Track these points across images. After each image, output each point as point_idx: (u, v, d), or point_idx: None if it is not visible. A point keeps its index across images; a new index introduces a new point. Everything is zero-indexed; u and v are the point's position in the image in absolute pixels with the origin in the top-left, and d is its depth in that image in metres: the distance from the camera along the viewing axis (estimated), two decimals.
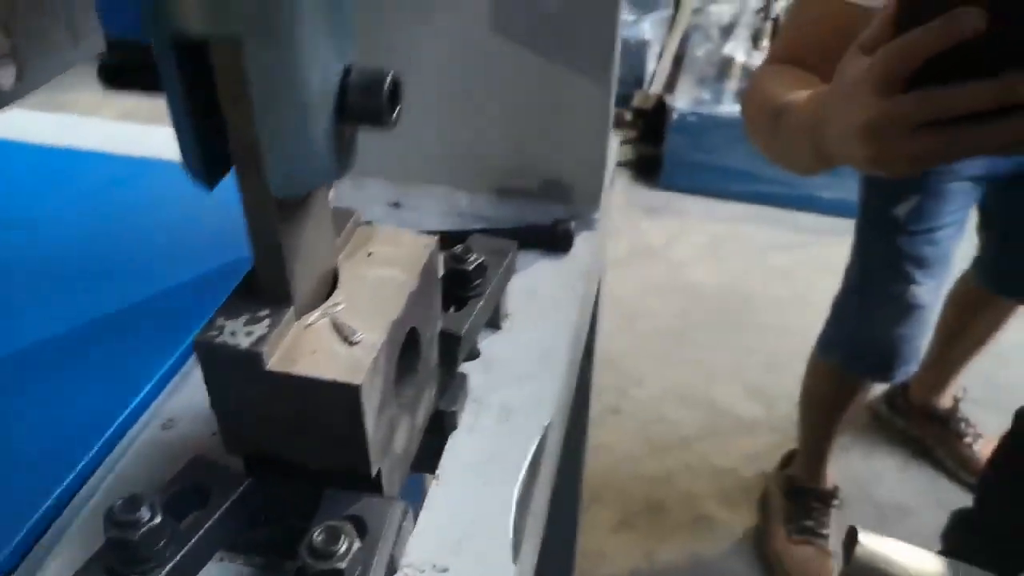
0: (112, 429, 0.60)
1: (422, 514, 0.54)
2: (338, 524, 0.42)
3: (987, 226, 1.54)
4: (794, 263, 2.55)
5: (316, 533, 0.42)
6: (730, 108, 2.75)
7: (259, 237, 0.42)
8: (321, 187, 0.45)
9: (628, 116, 3.01)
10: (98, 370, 0.65)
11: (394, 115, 0.39)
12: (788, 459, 1.83)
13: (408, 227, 0.78)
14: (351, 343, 0.44)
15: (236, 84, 0.36)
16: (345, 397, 0.43)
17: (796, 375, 1.68)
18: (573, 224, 0.78)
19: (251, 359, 0.42)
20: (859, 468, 1.90)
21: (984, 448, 1.78)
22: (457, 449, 0.59)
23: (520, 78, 0.77)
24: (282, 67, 0.36)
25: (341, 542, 0.42)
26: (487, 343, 0.67)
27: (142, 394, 0.62)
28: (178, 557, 0.44)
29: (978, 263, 1.63)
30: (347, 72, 0.39)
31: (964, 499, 1.51)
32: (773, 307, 2.37)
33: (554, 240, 0.78)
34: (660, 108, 2.91)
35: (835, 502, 1.74)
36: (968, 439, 1.83)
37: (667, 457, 1.95)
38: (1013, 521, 1.45)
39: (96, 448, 0.58)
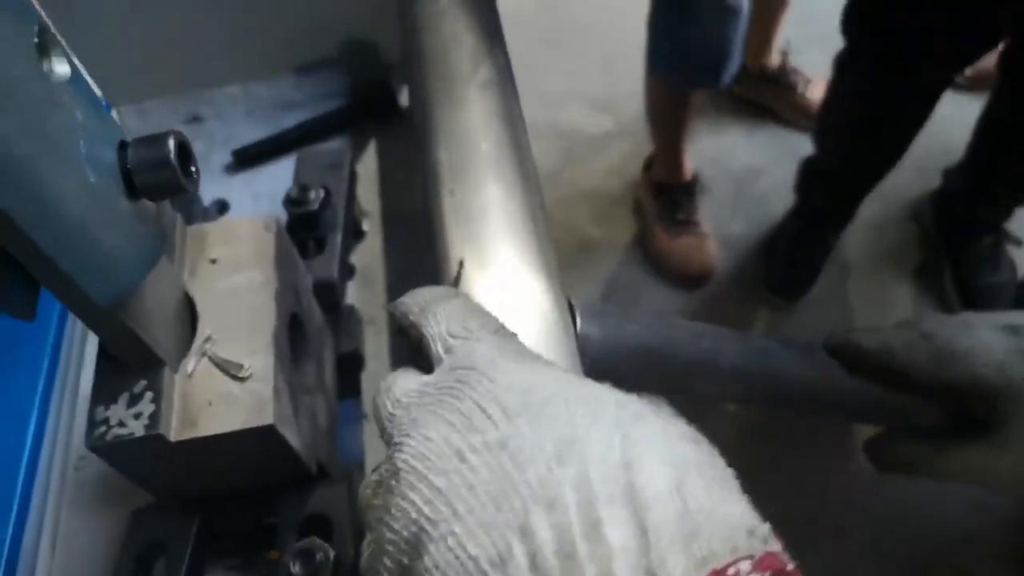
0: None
1: (367, 455, 0.56)
2: (306, 546, 0.44)
3: None
4: None
5: (292, 564, 0.43)
6: None
7: (102, 330, 0.39)
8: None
9: None
10: None
11: (194, 176, 0.34)
12: (650, 162, 1.91)
13: (219, 141, 0.73)
14: (242, 379, 0.43)
15: (8, 234, 0.31)
16: (262, 436, 0.42)
17: (632, 72, 1.67)
18: (393, 81, 0.73)
19: (153, 442, 0.40)
20: (712, 147, 2.00)
21: (815, 90, 1.88)
22: (373, 379, 0.59)
23: None
24: (43, 205, 0.30)
25: (317, 559, 0.43)
26: (357, 255, 0.65)
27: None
28: None
29: None
30: (123, 148, 0.33)
31: (810, 146, 1.64)
32: (591, 7, 2.32)
33: (375, 107, 0.73)
34: None
35: (698, 188, 1.85)
36: (800, 88, 1.93)
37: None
38: (846, 153, 1.59)
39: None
